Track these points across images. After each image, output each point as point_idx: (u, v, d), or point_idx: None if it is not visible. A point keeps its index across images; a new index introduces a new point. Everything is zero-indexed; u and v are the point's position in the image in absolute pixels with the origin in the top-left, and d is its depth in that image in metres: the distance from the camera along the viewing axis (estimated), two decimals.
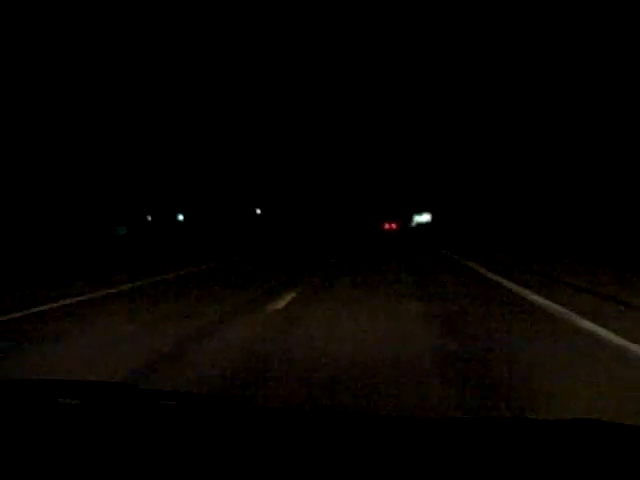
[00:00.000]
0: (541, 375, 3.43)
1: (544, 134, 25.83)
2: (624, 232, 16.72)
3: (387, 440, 0.86)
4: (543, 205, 26.55)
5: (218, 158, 42.30)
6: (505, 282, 8.92)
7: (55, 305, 6.95)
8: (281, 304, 6.74)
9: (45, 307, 6.80)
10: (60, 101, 28.42)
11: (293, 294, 7.70)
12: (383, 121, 58.61)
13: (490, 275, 10.18)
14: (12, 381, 1.29)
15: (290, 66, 56.23)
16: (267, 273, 11.57)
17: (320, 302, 7.04)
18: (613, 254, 13.14)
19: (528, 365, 3.66)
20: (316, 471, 0.74)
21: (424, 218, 58.81)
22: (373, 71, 66.06)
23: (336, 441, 0.85)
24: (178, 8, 40.70)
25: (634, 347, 4.05)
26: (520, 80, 27.84)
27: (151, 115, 33.58)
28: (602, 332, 4.72)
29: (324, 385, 3.27)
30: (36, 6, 27.46)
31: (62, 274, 11.89)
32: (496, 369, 3.57)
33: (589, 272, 10.11)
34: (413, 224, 59.68)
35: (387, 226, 54.49)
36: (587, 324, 5.13)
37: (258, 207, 52.33)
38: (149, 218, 37.98)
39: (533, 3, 23.51)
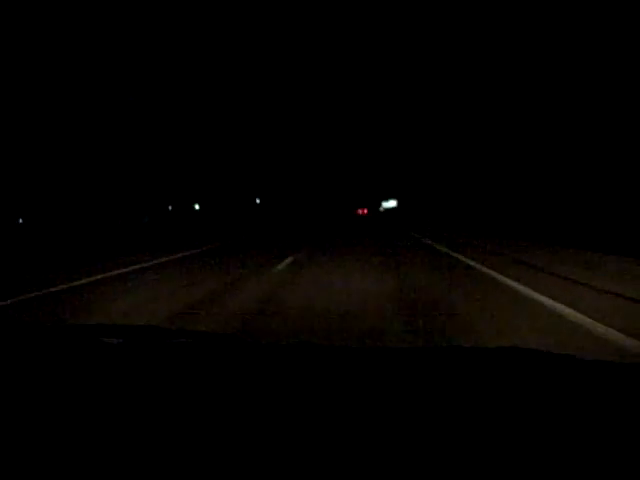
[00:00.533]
0: (444, 282, 6.99)
1: (502, 122, 26.59)
2: (586, 216, 16.64)
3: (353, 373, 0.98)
4: (500, 191, 27.87)
5: (226, 156, 48.49)
6: (430, 242, 14.83)
7: (125, 270, 9.43)
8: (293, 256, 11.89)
9: (116, 272, 9.15)
10: (88, 109, 31.00)
11: (305, 249, 13.37)
12: (356, 124, 65.96)
13: (423, 240, 16.30)
14: (68, 325, 1.55)
15: (270, 75, 61.70)
16: (275, 244, 16.44)
17: (319, 251, 12.74)
18: (556, 234, 14.18)
19: (429, 280, 7.44)
20: (311, 400, 0.83)
21: (391, 204, 67.04)
22: (344, 74, 71.89)
23: (322, 372, 0.99)
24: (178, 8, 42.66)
25: (502, 277, 7.29)
26: (480, 73, 28.53)
27: (169, 119, 38.21)
28: (486, 270, 8.27)
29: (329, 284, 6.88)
30: (36, 6, 28.47)
31: (108, 253, 13.65)
32: (417, 281, 7.24)
33: (512, 245, 12.86)
34: (381, 209, 66.74)
35: (360, 211, 62.52)
36: (478, 266, 8.73)
37: (258, 197, 59.48)
38: (170, 208, 43.43)
39: (533, 3, 22.64)
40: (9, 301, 6.26)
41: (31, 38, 27.70)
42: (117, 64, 33.70)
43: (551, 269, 7.87)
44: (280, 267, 9.25)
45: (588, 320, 4.41)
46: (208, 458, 0.64)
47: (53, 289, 7.20)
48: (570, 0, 20.21)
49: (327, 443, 0.68)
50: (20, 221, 29.83)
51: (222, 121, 47.13)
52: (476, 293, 5.92)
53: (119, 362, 1.07)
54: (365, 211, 65.30)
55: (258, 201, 60.64)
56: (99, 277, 8.49)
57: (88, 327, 1.55)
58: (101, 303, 5.91)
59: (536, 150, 23.56)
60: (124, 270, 9.43)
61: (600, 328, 4.14)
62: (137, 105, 34.93)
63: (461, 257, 10.26)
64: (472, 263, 9.13)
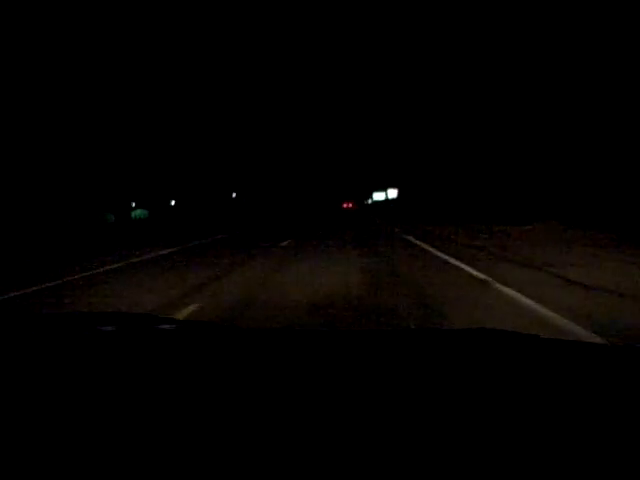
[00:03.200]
0: (402, 257, 8.79)
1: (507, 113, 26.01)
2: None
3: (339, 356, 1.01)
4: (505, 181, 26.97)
5: (199, 146, 44.49)
6: (399, 231, 15.95)
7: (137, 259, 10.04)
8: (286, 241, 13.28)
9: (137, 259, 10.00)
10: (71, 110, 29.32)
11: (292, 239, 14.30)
12: (347, 107, 60.75)
13: (389, 227, 18.53)
14: (64, 314, 1.49)
15: (261, 66, 57.49)
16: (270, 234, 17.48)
17: (308, 239, 14.13)
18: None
19: (393, 254, 9.02)
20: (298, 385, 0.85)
21: (381, 196, 62.50)
22: (335, 61, 67.14)
23: (309, 357, 1.02)
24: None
25: (439, 252, 9.11)
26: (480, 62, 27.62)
27: (145, 118, 35.39)
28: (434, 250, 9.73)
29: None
30: (36, 6, 27.88)
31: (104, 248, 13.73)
32: (390, 257, 8.69)
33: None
34: (370, 202, 62.56)
35: (345, 205, 58.43)
36: (429, 248, 10.02)
37: (233, 191, 54.91)
38: (133, 204, 39.93)
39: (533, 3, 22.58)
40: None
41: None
42: (94, 61, 30.93)
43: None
44: None
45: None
46: (200, 448, 0.65)
47: None
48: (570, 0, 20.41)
49: (314, 429, 0.70)
50: None
51: (193, 106, 43.07)
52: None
53: (111, 349, 1.10)
54: (351, 205, 60.54)
55: (234, 195, 55.98)
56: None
57: (82, 315, 1.57)
58: None
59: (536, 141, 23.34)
60: None
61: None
62: (109, 98, 31.33)
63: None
64: None
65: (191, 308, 4.74)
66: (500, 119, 26.62)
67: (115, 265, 9.02)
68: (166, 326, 1.37)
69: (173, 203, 47.95)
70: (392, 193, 59.91)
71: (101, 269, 8.46)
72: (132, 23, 35.04)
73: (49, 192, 28.51)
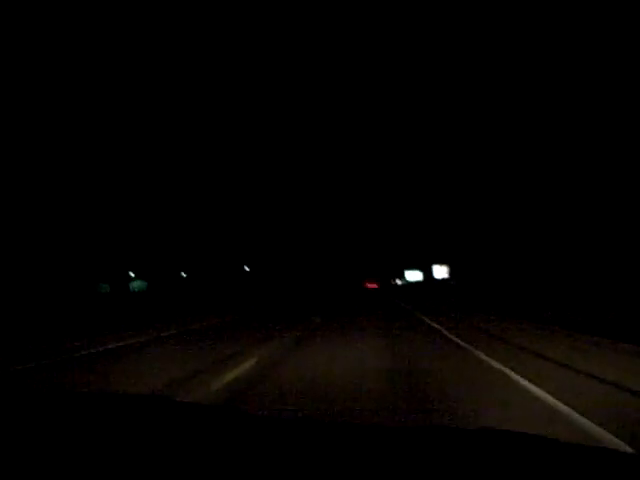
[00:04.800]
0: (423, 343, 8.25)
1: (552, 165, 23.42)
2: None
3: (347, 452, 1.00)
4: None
5: (212, 219, 42.90)
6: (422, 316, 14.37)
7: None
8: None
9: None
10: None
11: (319, 318, 14.29)
12: (372, 174, 57.38)
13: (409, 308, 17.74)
14: (78, 393, 1.69)
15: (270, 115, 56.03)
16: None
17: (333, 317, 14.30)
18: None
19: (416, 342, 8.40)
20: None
21: (416, 276, 52.65)
22: (358, 116, 63.87)
23: (318, 450, 1.01)
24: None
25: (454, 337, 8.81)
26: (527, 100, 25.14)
27: (153, 184, 34.00)
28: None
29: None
30: (36, 7, 27.20)
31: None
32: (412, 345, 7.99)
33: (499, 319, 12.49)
34: (397, 282, 55.15)
35: (369, 285, 53.90)
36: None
37: (246, 264, 52.50)
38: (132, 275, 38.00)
39: (533, 6, 22.02)
40: None
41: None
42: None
43: None
44: None
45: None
46: None
47: None
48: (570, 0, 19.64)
49: None
50: None
51: (206, 175, 41.87)
52: None
53: (117, 432, 1.11)
54: (375, 285, 55.41)
55: (247, 269, 53.54)
56: None
57: (94, 395, 1.58)
58: None
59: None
60: None
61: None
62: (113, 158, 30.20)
63: None
64: None
65: None
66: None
67: None
68: (177, 410, 1.39)
69: (184, 275, 46.07)
70: (440, 272, 45.64)
71: None
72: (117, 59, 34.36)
73: (30, 253, 25.66)
